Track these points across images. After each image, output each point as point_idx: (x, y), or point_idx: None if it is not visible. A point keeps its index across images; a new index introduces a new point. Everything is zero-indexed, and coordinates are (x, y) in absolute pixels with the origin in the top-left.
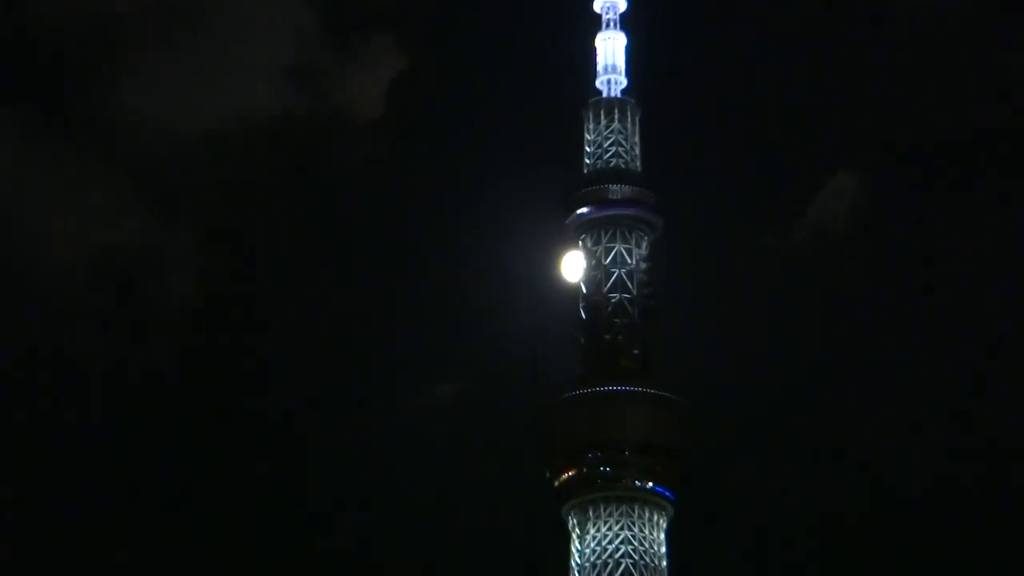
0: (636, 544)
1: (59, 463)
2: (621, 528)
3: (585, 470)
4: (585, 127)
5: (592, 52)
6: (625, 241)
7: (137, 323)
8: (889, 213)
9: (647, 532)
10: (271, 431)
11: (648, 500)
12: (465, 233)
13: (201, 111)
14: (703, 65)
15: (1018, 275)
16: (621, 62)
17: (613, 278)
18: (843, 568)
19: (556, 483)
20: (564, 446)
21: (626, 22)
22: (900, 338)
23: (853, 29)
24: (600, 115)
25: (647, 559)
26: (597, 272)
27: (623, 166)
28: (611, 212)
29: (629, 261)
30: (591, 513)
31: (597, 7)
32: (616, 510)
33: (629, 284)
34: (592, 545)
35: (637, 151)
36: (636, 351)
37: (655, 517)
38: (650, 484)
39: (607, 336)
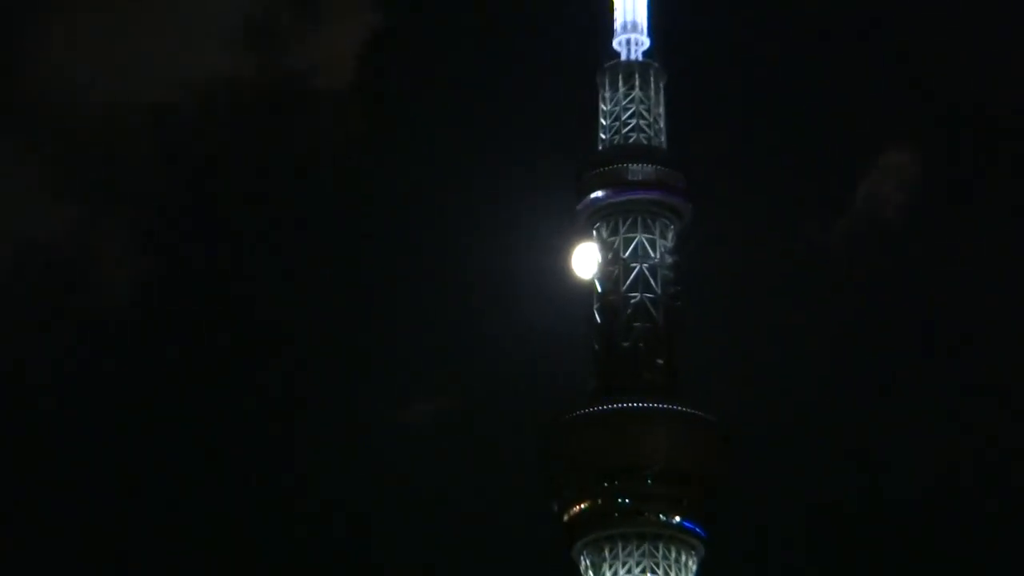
0: None
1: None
2: (643, 571)
3: (600, 502)
4: (600, 96)
5: (609, 7)
6: (647, 231)
7: (73, 329)
8: (950, 196)
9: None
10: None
11: (675, 538)
12: (457, 223)
13: (142, 79)
14: (736, 24)
15: None
16: (643, 19)
17: (633, 275)
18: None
19: (566, 517)
20: (575, 473)
21: None
22: (961, 341)
23: None
24: (618, 81)
25: None
26: (614, 267)
27: (645, 142)
28: (631, 196)
29: (652, 254)
30: (607, 553)
31: None
32: (637, 550)
33: (652, 282)
34: None
35: (661, 124)
36: (660, 361)
37: (683, 558)
38: (677, 519)
39: (626, 343)
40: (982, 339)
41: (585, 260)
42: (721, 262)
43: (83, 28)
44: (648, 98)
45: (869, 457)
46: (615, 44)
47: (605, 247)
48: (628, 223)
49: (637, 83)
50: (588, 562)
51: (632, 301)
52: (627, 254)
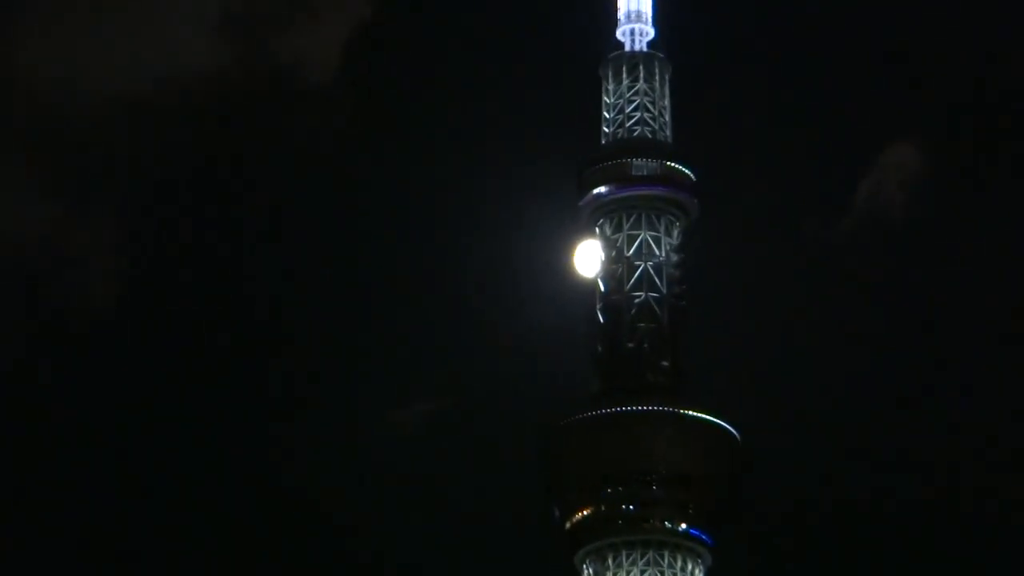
0: None
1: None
2: None
3: (603, 508)
4: (603, 88)
5: None
6: (652, 228)
7: (48, 331)
8: (957, 191)
9: None
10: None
11: (681, 546)
12: (456, 222)
13: (118, 71)
14: (742, 14)
15: None
16: (647, 8)
17: (637, 273)
18: None
19: (568, 524)
20: (577, 479)
21: None
22: (973, 341)
23: None
24: (621, 73)
25: None
26: (618, 266)
27: (649, 135)
28: (635, 192)
29: (657, 252)
30: (610, 561)
31: None
32: (641, 558)
33: (657, 281)
34: None
35: (667, 117)
36: (665, 362)
37: (689, 566)
38: (683, 526)
39: (630, 344)
40: (984, 338)
41: (588, 258)
42: (727, 260)
43: (55, 19)
44: (653, 90)
45: (880, 458)
46: (619, 34)
47: (608, 245)
48: (632, 220)
49: (641, 75)
50: (591, 571)
51: (636, 300)
52: (631, 252)
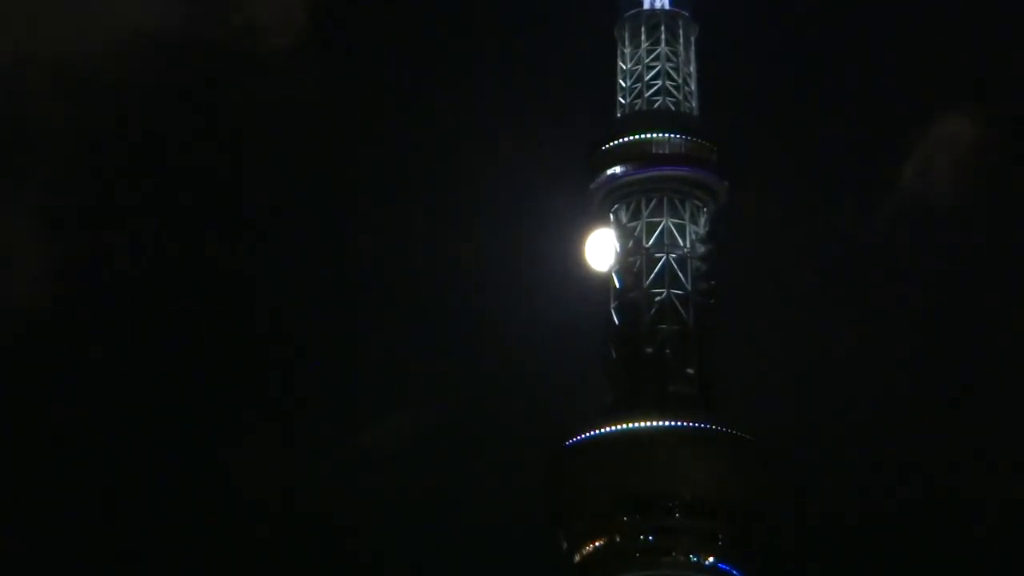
0: None
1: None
2: None
3: (618, 539)
4: (619, 51)
5: None
6: (675, 214)
7: None
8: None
9: None
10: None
11: None
12: (448, 209)
13: (50, 31)
14: None
15: None
16: None
17: (658, 267)
18: None
19: (577, 557)
20: (587, 505)
21: None
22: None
23: None
24: (640, 35)
25: None
26: (636, 258)
27: (673, 107)
28: (655, 173)
29: (681, 243)
30: None
31: None
32: None
33: (681, 275)
34: None
35: (692, 86)
36: (690, 370)
37: None
38: (711, 559)
39: (650, 349)
40: None
41: (600, 249)
42: (760, 251)
43: None
44: (676, 55)
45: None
46: None
47: (624, 234)
48: (652, 205)
49: (663, 36)
50: None
51: (657, 299)
52: (651, 242)
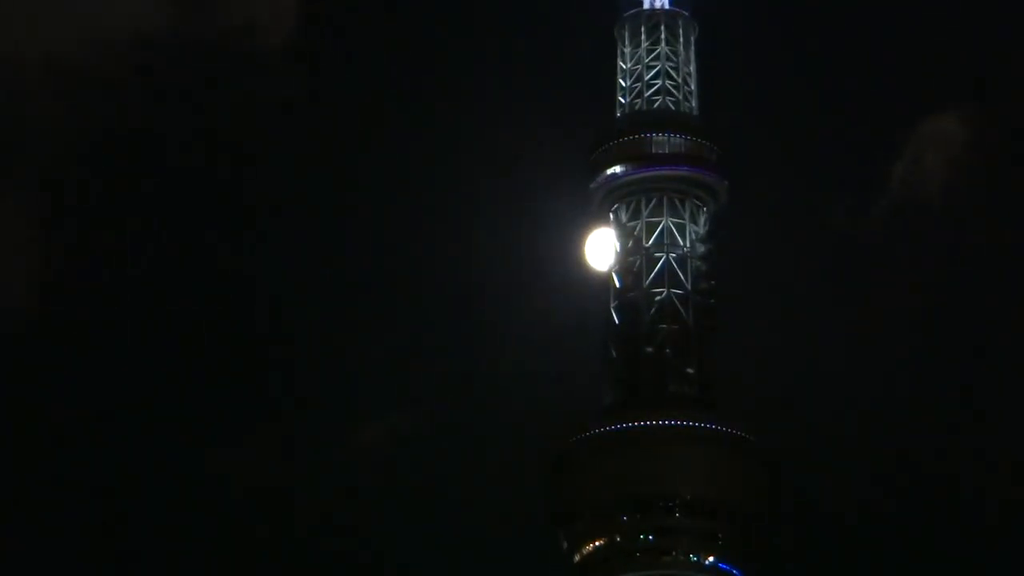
0: None
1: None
2: None
3: (619, 539)
4: (619, 51)
5: None
6: (675, 214)
7: None
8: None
9: None
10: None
11: None
12: (445, 210)
13: (43, 30)
14: None
15: None
16: None
17: (658, 267)
18: None
19: (577, 557)
20: (587, 505)
21: None
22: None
23: None
24: (640, 34)
25: None
26: (635, 258)
27: (673, 107)
28: (655, 172)
29: (681, 242)
30: None
31: None
32: None
33: (681, 275)
34: None
35: (692, 86)
36: (690, 369)
37: None
38: (711, 559)
39: (650, 348)
40: None
41: (600, 249)
42: (759, 251)
43: None
44: (676, 54)
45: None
46: None
47: (624, 233)
48: (652, 204)
49: (663, 36)
50: None
51: (657, 298)
52: (651, 242)
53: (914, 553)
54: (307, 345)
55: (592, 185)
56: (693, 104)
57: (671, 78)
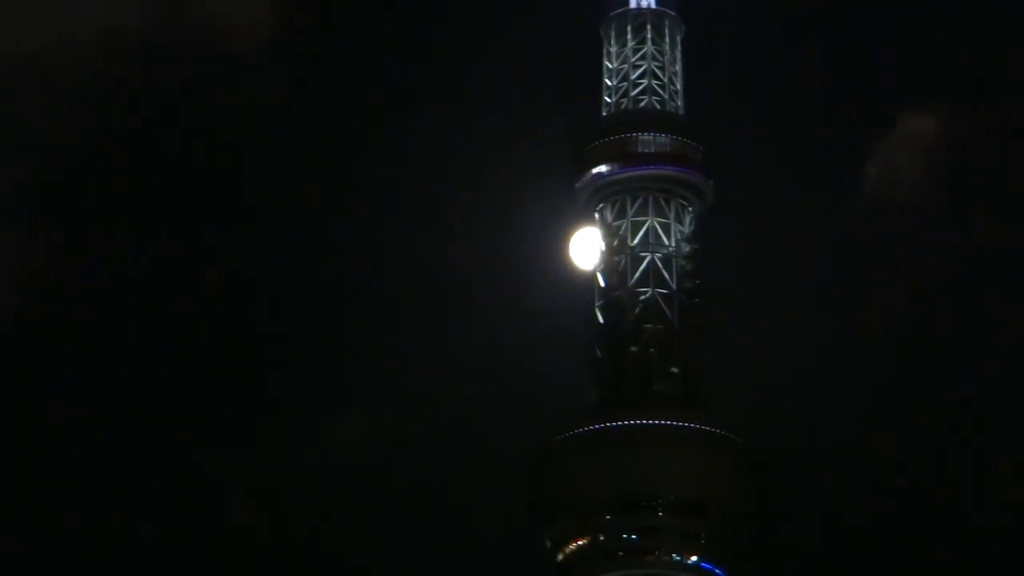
0: None
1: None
2: None
3: (602, 538)
4: (605, 51)
5: None
6: (661, 213)
7: None
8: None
9: None
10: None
11: None
12: (430, 210)
13: (17, 29)
14: None
15: None
16: None
17: (643, 266)
18: None
19: (560, 556)
20: (571, 504)
21: None
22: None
23: None
24: (626, 33)
25: None
26: (620, 257)
27: (658, 106)
28: (640, 172)
29: (666, 242)
30: None
31: None
32: None
33: (666, 275)
34: None
35: (678, 85)
36: (675, 369)
37: None
38: (694, 559)
39: (634, 348)
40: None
41: (585, 248)
42: (749, 250)
43: None
44: (662, 53)
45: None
46: None
47: (609, 233)
48: (637, 204)
49: (649, 35)
50: None
51: (642, 298)
52: (636, 241)
53: (914, 553)
54: (307, 345)
55: (578, 184)
56: (679, 104)
57: (657, 78)
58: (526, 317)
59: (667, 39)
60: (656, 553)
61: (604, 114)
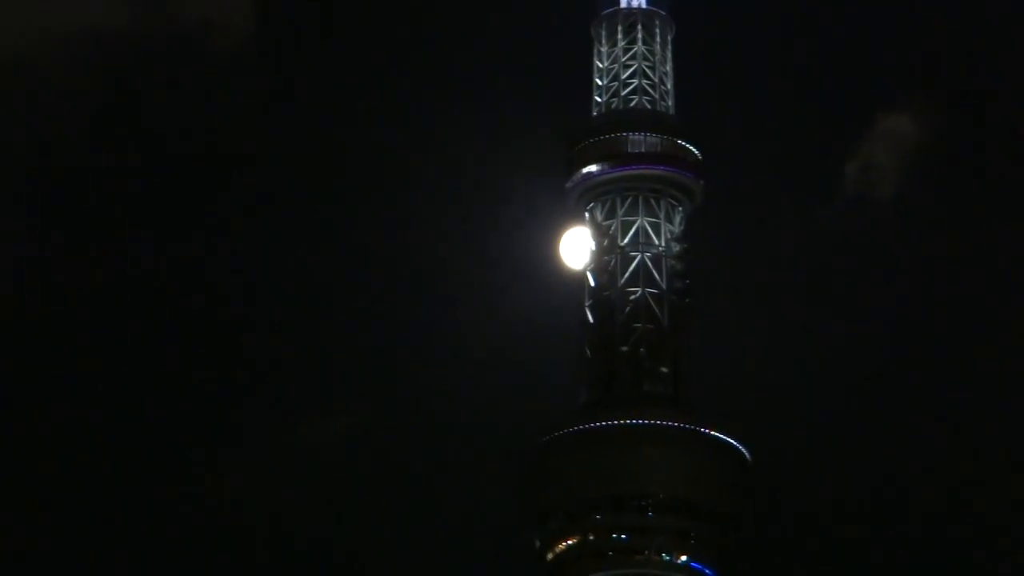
0: None
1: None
2: None
3: (592, 537)
4: (595, 50)
5: None
6: (651, 213)
7: None
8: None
9: None
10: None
11: None
12: (416, 209)
13: (5, 30)
14: None
15: None
16: None
17: (633, 266)
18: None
19: (549, 555)
20: (561, 503)
21: None
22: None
23: None
24: (617, 33)
25: None
26: (611, 257)
27: (648, 106)
28: (631, 172)
29: (656, 241)
30: None
31: None
32: None
33: (656, 274)
34: None
35: (669, 85)
36: (665, 369)
37: None
38: (683, 558)
39: (624, 347)
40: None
41: (575, 248)
42: (739, 250)
43: None
44: (653, 53)
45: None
46: None
47: (600, 232)
48: (627, 204)
49: (640, 35)
50: None
51: (632, 297)
52: (626, 241)
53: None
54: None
55: (568, 184)
56: (669, 103)
57: (647, 77)
58: (516, 316)
59: (658, 39)
60: (646, 552)
61: (594, 114)
